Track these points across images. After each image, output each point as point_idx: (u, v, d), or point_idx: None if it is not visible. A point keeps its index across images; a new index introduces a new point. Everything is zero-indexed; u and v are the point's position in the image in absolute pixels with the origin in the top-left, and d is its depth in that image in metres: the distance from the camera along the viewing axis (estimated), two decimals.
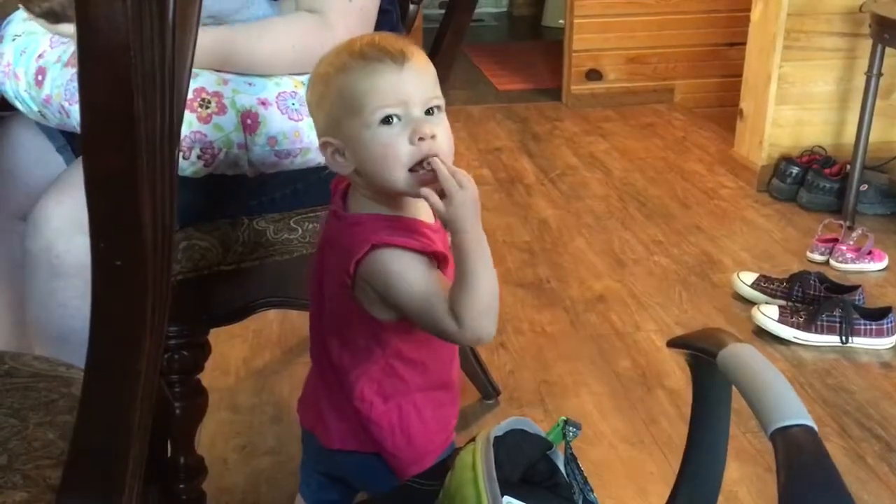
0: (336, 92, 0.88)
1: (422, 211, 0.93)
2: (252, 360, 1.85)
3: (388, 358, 0.94)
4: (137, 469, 0.57)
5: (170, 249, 0.50)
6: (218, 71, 1.08)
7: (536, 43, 5.01)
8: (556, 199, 2.74)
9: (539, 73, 4.18)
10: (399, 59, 0.87)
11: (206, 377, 1.24)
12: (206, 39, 1.09)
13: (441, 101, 0.90)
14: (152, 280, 0.48)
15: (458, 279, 0.84)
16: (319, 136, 0.92)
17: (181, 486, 1.27)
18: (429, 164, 0.86)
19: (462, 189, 0.84)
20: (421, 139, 0.86)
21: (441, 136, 0.88)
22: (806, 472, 0.56)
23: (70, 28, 1.02)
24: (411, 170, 0.86)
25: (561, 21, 4.57)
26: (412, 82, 0.87)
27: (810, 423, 0.59)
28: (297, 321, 1.96)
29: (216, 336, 1.24)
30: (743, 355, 0.65)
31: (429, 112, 0.89)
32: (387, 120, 0.86)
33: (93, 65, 0.40)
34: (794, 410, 0.59)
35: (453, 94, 3.60)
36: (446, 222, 0.85)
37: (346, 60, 0.88)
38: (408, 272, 0.86)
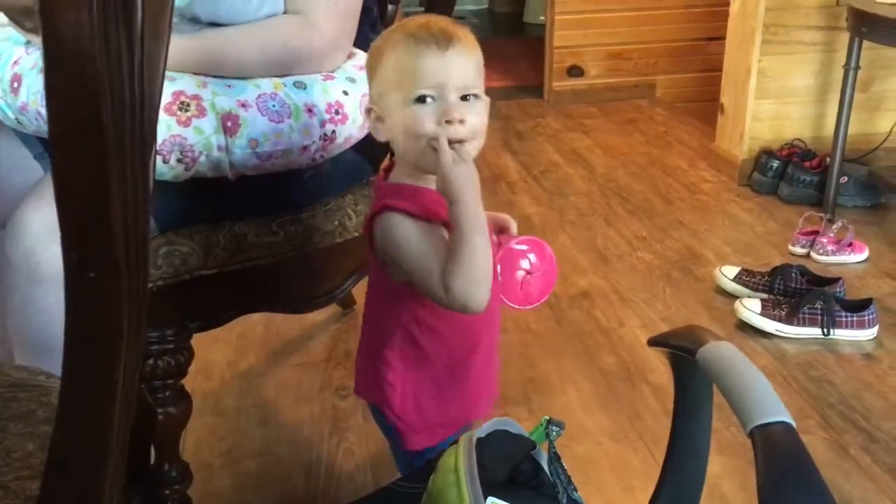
0: (384, 66, 0.96)
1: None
2: (236, 364, 1.84)
3: (407, 323, 1.00)
4: (117, 478, 0.57)
5: (146, 258, 0.50)
6: (197, 74, 1.08)
7: (518, 40, 5.01)
8: (539, 196, 2.75)
9: (521, 70, 4.18)
10: (444, 44, 0.93)
11: (190, 381, 1.24)
12: (193, 44, 1.08)
13: (479, 91, 0.96)
14: (127, 290, 0.48)
15: (451, 248, 0.90)
16: (369, 102, 1.01)
17: (166, 492, 1.27)
18: (452, 140, 0.92)
19: (460, 162, 0.90)
20: (448, 122, 0.92)
21: (473, 122, 0.94)
22: (784, 469, 0.56)
23: None
24: (434, 149, 0.92)
25: (542, 17, 4.57)
26: (452, 67, 0.93)
27: (789, 419, 0.59)
28: (282, 324, 1.96)
29: (199, 339, 1.23)
30: (722, 353, 0.66)
31: (465, 98, 0.94)
32: (422, 99, 0.93)
33: (59, 74, 0.40)
34: (772, 408, 0.59)
35: None
36: (443, 192, 0.91)
37: (398, 38, 0.95)
38: (410, 236, 0.93)
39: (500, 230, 1.12)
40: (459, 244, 0.89)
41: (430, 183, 0.97)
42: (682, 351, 0.72)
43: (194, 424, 1.45)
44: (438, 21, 0.97)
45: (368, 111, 1.00)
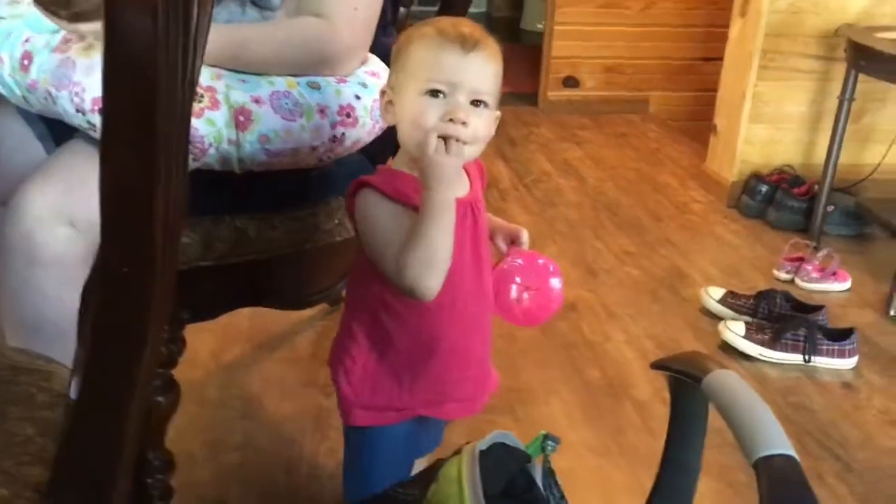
0: (408, 53, 0.99)
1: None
2: (221, 354, 1.84)
3: (374, 301, 1.03)
4: (128, 468, 0.57)
5: (176, 257, 0.50)
6: (213, 66, 1.08)
7: (515, 46, 5.02)
8: (530, 205, 2.76)
9: (516, 76, 4.19)
10: (468, 46, 0.96)
11: (174, 370, 1.24)
12: (218, 36, 1.08)
13: (490, 99, 0.98)
14: (158, 287, 0.48)
15: (412, 230, 0.93)
16: (386, 84, 1.04)
17: (149, 480, 1.26)
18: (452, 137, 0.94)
19: (443, 154, 0.93)
20: (451, 120, 0.94)
21: (476, 127, 0.96)
22: (787, 501, 0.58)
23: (89, 26, 1.01)
24: (439, 137, 0.94)
25: (540, 25, 4.59)
26: (470, 70, 0.96)
27: (793, 453, 0.60)
28: (269, 317, 1.95)
29: (185, 329, 1.23)
30: (728, 382, 0.67)
31: (475, 104, 0.97)
32: (434, 93, 0.96)
33: (119, 75, 0.40)
34: (777, 440, 0.60)
35: None
36: (421, 177, 0.94)
37: (427, 31, 0.98)
38: (377, 214, 0.97)
39: (511, 241, 1.13)
40: (419, 227, 0.92)
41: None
42: (686, 377, 0.73)
43: (177, 413, 1.45)
44: (471, 25, 1.01)
45: (383, 93, 1.03)
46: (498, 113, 1.03)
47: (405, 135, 1.00)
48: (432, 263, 0.93)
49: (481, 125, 0.98)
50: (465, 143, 0.96)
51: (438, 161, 0.93)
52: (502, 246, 1.14)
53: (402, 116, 0.99)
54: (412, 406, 1.07)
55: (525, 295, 1.10)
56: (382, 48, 1.27)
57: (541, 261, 1.12)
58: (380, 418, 1.07)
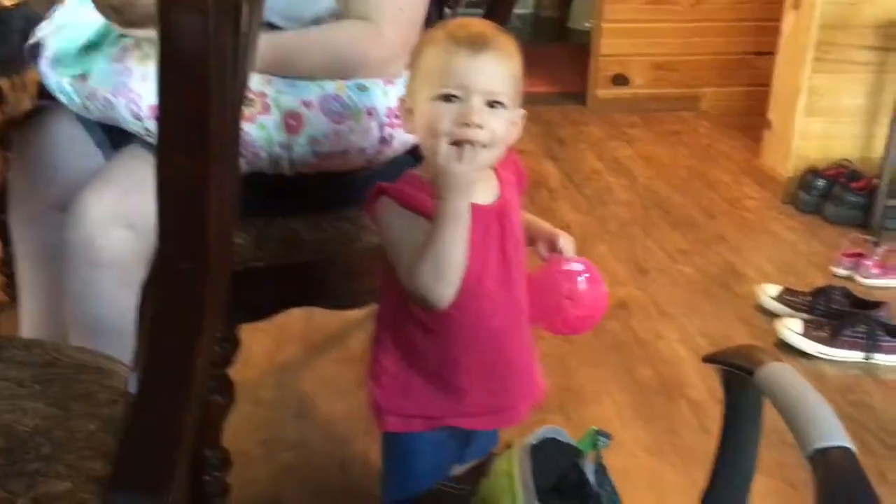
0: (420, 60, 0.98)
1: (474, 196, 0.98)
2: (275, 355, 1.86)
3: (399, 311, 1.02)
4: (187, 462, 0.58)
5: (230, 252, 0.51)
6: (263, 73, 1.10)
7: (562, 45, 5.00)
8: (579, 204, 2.74)
9: (564, 76, 4.17)
10: (477, 46, 0.94)
11: (230, 370, 1.26)
12: (266, 45, 1.10)
13: (506, 99, 0.96)
14: (213, 282, 0.49)
15: (425, 240, 0.93)
16: (404, 93, 1.02)
17: (206, 477, 1.29)
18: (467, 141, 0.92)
19: (456, 162, 0.91)
20: (465, 124, 0.92)
21: (493, 129, 0.94)
22: (844, 493, 0.57)
23: (141, 33, 1.04)
24: (453, 143, 0.93)
25: (587, 24, 4.56)
26: (481, 71, 0.94)
27: (849, 445, 0.59)
28: (322, 317, 1.97)
29: (240, 329, 1.25)
30: (783, 375, 0.66)
31: (491, 105, 0.94)
32: (447, 98, 0.94)
33: (172, 74, 0.41)
34: (833, 432, 0.59)
35: None
36: (433, 185, 0.93)
37: (438, 36, 0.97)
38: (392, 222, 0.97)
39: (550, 246, 1.10)
40: (431, 237, 0.92)
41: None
42: (739, 369, 0.73)
43: (233, 413, 1.47)
44: (480, 24, 0.99)
45: (402, 101, 1.02)
46: (521, 111, 1.01)
47: (423, 142, 0.99)
48: (442, 273, 0.92)
49: (499, 126, 0.96)
50: (483, 145, 0.94)
51: (449, 170, 0.92)
52: (543, 252, 1.10)
53: (418, 124, 0.98)
54: (441, 415, 1.04)
55: (566, 303, 1.06)
56: None
57: (579, 266, 1.07)
58: (410, 425, 1.05)
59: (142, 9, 0.99)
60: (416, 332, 1.02)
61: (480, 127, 0.93)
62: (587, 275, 1.07)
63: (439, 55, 0.96)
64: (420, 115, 0.97)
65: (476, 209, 0.96)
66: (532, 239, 1.11)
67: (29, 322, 1.43)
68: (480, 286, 0.99)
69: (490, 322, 1.02)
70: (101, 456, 0.75)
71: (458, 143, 0.93)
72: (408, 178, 1.01)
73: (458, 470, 1.02)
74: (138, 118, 1.09)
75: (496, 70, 0.95)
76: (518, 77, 0.99)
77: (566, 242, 1.09)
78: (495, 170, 1.04)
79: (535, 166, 3.07)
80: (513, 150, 1.07)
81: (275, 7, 1.14)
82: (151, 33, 1.02)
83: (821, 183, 2.64)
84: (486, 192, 1.01)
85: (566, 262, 1.08)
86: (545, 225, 1.13)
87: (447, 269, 0.92)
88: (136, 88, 1.09)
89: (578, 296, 1.05)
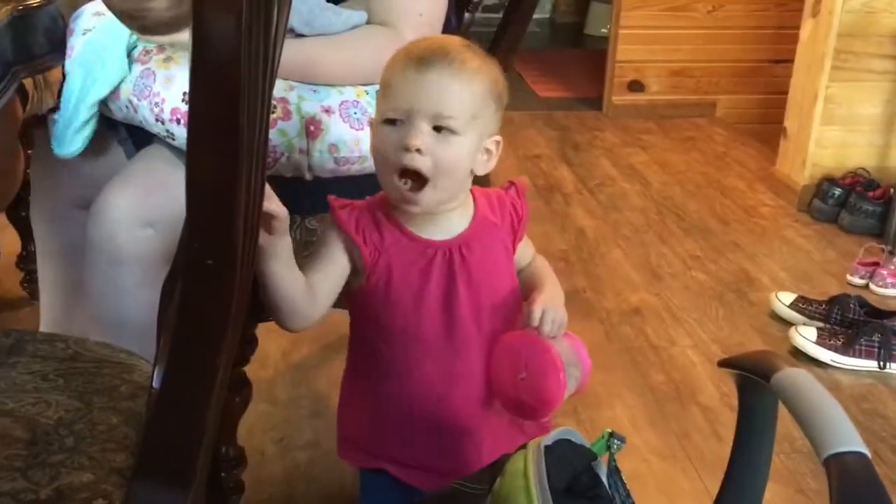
0: (381, 80, 0.91)
1: (414, 223, 0.93)
2: (290, 354, 1.88)
3: (354, 337, 0.99)
4: (208, 457, 0.60)
5: (254, 251, 0.52)
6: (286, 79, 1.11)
7: (578, 51, 5.01)
8: (594, 210, 2.75)
9: (580, 81, 4.18)
10: (425, 64, 0.85)
11: (245, 369, 1.27)
12: (288, 51, 1.11)
13: (455, 124, 0.86)
14: (239, 279, 0.50)
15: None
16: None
17: (222, 474, 1.30)
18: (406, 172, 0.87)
19: (403, 200, 0.88)
20: (406, 149, 0.85)
21: (439, 156, 0.85)
22: (859, 498, 0.57)
23: (159, 39, 1.05)
24: (401, 177, 0.87)
25: (603, 30, 4.56)
26: (426, 92, 0.85)
27: (864, 450, 0.60)
28: (337, 318, 1.98)
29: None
30: (800, 380, 0.66)
31: (438, 129, 0.86)
32: (391, 122, 0.87)
33: (204, 75, 0.42)
34: (848, 437, 0.60)
35: None
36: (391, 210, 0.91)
37: (399, 54, 0.90)
38: (321, 237, 0.94)
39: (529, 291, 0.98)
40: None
41: (419, 223, 0.92)
42: (754, 374, 0.73)
43: (248, 411, 1.49)
44: (440, 40, 0.91)
45: (371, 125, 0.95)
46: (495, 138, 0.91)
47: (376, 169, 0.92)
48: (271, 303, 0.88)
49: (449, 156, 0.86)
50: (424, 175, 0.86)
51: (401, 204, 0.88)
52: (527, 315, 0.94)
53: (371, 150, 0.92)
54: (380, 458, 0.99)
55: (518, 384, 0.92)
56: None
57: (549, 346, 0.92)
58: (357, 458, 1.02)
59: (155, 15, 1.00)
60: (361, 365, 0.99)
61: (419, 152, 0.85)
62: (553, 360, 0.91)
63: (389, 74, 0.88)
64: (372, 139, 0.91)
65: (416, 242, 0.91)
66: (525, 294, 0.99)
67: (49, 318, 1.45)
68: (409, 324, 0.92)
69: (421, 367, 0.94)
70: (122, 448, 0.76)
71: (404, 172, 0.86)
72: (376, 199, 0.96)
73: None
74: (161, 121, 1.11)
75: (447, 90, 0.85)
76: (482, 96, 0.88)
77: (536, 316, 0.92)
78: (476, 203, 0.96)
79: (550, 171, 3.07)
80: (517, 187, 1.01)
81: (312, 24, 1.14)
82: (166, 39, 1.04)
83: (837, 191, 2.63)
84: (444, 225, 0.93)
85: (539, 339, 0.92)
86: (539, 282, 1.00)
87: (270, 302, 0.89)
88: (159, 91, 1.10)
89: (537, 371, 0.91)
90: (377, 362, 0.96)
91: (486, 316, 0.95)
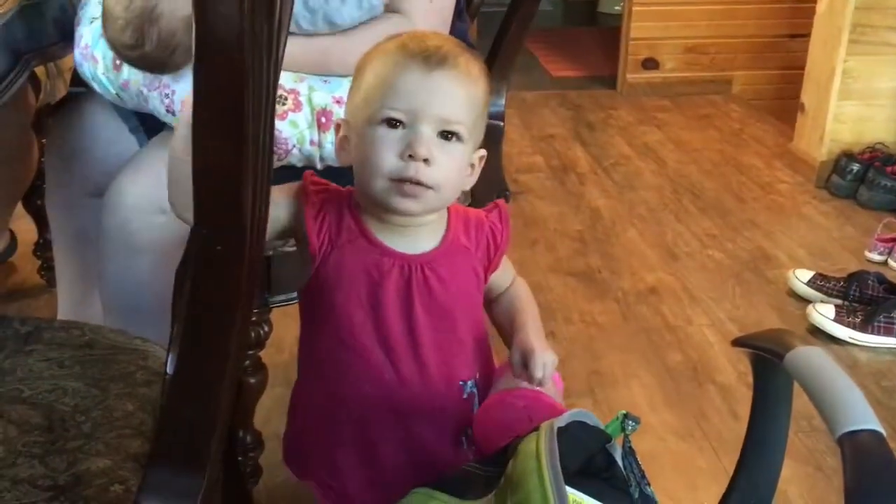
0: (362, 75, 0.82)
1: (379, 228, 0.85)
2: None
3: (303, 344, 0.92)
4: (222, 440, 0.60)
5: (263, 237, 0.53)
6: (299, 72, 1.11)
7: (592, 29, 4.96)
8: (608, 189, 2.73)
9: (594, 60, 4.15)
10: (432, 63, 0.78)
11: (262, 353, 1.28)
12: (305, 47, 1.10)
13: (462, 130, 0.80)
14: (248, 265, 0.51)
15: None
16: (342, 118, 0.87)
17: (239, 458, 1.31)
18: (410, 181, 0.78)
19: (398, 198, 0.80)
20: (411, 156, 0.78)
21: (443, 165, 0.79)
22: (873, 476, 0.57)
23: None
24: (393, 180, 0.79)
25: (617, 7, 4.52)
26: (435, 92, 0.78)
27: (879, 428, 0.59)
28: None
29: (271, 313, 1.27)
30: (812, 358, 0.66)
31: (445, 136, 0.79)
32: (391, 123, 0.78)
33: (208, 61, 0.42)
34: (863, 415, 0.59)
35: None
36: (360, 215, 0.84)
37: (389, 47, 0.81)
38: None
39: (523, 361, 0.89)
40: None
41: (385, 231, 0.84)
42: (768, 353, 0.72)
43: (264, 396, 1.49)
44: (440, 38, 0.83)
45: (338, 127, 0.86)
46: (482, 152, 0.85)
47: (360, 175, 0.82)
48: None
49: (452, 166, 0.80)
50: (428, 188, 0.79)
51: (390, 208, 0.80)
52: (514, 365, 0.89)
53: (356, 153, 0.81)
54: (308, 477, 0.93)
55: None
56: (456, 34, 1.28)
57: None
58: (300, 471, 0.96)
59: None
60: (304, 375, 0.92)
61: (427, 161, 0.78)
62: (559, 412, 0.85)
63: (385, 69, 0.79)
64: (358, 142, 0.81)
65: (374, 246, 0.83)
66: (506, 338, 0.93)
67: (66, 305, 1.47)
68: (354, 339, 0.85)
69: (357, 386, 0.86)
70: (138, 434, 0.77)
71: (399, 179, 0.78)
72: (345, 192, 0.87)
73: None
74: (172, 112, 1.11)
75: (455, 93, 0.79)
76: (481, 105, 0.82)
77: (538, 371, 0.87)
78: (449, 222, 0.88)
79: (564, 151, 3.06)
80: (500, 210, 0.92)
81: (333, 20, 1.13)
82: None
83: (855, 167, 2.61)
84: (410, 238, 0.85)
85: (535, 398, 0.87)
86: (519, 318, 0.92)
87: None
88: (169, 83, 1.10)
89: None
90: (314, 373, 0.90)
91: (444, 347, 0.88)
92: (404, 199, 0.79)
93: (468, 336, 0.90)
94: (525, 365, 0.88)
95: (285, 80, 1.09)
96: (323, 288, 0.85)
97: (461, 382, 0.91)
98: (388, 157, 0.78)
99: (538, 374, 0.87)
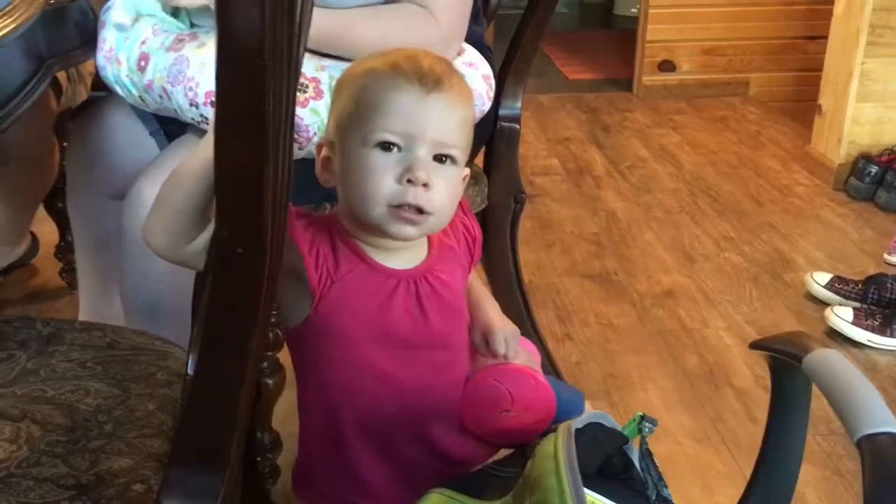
0: (351, 95, 0.80)
1: (375, 250, 0.84)
2: None
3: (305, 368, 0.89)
4: (241, 441, 0.61)
5: (283, 239, 0.53)
6: (315, 53, 1.11)
7: (608, 32, 4.96)
8: (625, 192, 2.73)
9: (610, 62, 4.14)
10: (429, 84, 0.77)
11: (279, 354, 1.28)
12: (323, 21, 1.10)
13: (458, 153, 0.80)
14: (268, 266, 0.51)
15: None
16: (323, 136, 0.85)
17: (258, 459, 1.32)
18: (409, 206, 0.77)
19: (395, 224, 0.79)
20: (410, 181, 0.76)
21: (440, 189, 0.78)
22: (892, 479, 0.56)
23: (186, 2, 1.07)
24: (391, 206, 0.78)
25: (633, 10, 4.51)
26: (432, 116, 0.77)
27: None
28: None
29: None
30: (831, 361, 0.66)
31: (440, 159, 0.79)
32: (386, 146, 0.77)
33: (229, 66, 0.43)
34: (882, 418, 0.59)
35: None
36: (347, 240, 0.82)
37: (376, 66, 0.80)
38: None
39: (485, 340, 0.91)
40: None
41: (380, 253, 0.82)
42: (786, 356, 0.72)
43: (282, 396, 1.50)
44: (431, 57, 0.81)
45: (319, 147, 0.84)
46: (467, 171, 0.84)
47: (353, 200, 0.80)
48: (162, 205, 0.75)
49: (448, 189, 0.79)
50: (428, 214, 0.78)
51: (389, 233, 0.78)
52: (478, 345, 0.91)
53: (346, 177, 0.79)
54: (315, 496, 0.91)
55: (504, 416, 0.88)
56: (473, 37, 1.28)
57: (518, 372, 0.88)
58: (299, 487, 0.94)
59: None
60: (314, 409, 0.90)
61: (427, 186, 0.76)
62: (530, 381, 0.88)
63: (378, 90, 0.77)
64: (349, 165, 0.78)
65: (377, 271, 0.82)
66: (472, 325, 0.92)
67: (87, 307, 1.48)
68: (371, 366, 0.83)
69: (380, 409, 0.85)
70: (159, 434, 0.78)
71: (398, 205, 0.77)
72: (331, 218, 0.85)
73: None
74: (195, 105, 1.12)
75: (449, 116, 0.78)
76: (471, 126, 0.83)
77: (499, 341, 0.88)
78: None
79: (580, 153, 3.06)
80: (461, 205, 0.91)
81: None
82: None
83: (873, 169, 2.59)
84: (404, 254, 0.84)
85: (503, 370, 0.88)
86: (488, 309, 0.92)
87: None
88: (193, 76, 1.11)
89: (520, 407, 0.87)
90: (320, 385, 0.87)
91: (454, 345, 0.88)
92: (404, 226, 0.78)
93: (466, 329, 0.92)
94: (487, 343, 0.89)
95: (307, 68, 1.09)
96: (325, 322, 0.82)
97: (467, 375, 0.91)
98: (385, 182, 0.77)
99: (501, 350, 0.88)
